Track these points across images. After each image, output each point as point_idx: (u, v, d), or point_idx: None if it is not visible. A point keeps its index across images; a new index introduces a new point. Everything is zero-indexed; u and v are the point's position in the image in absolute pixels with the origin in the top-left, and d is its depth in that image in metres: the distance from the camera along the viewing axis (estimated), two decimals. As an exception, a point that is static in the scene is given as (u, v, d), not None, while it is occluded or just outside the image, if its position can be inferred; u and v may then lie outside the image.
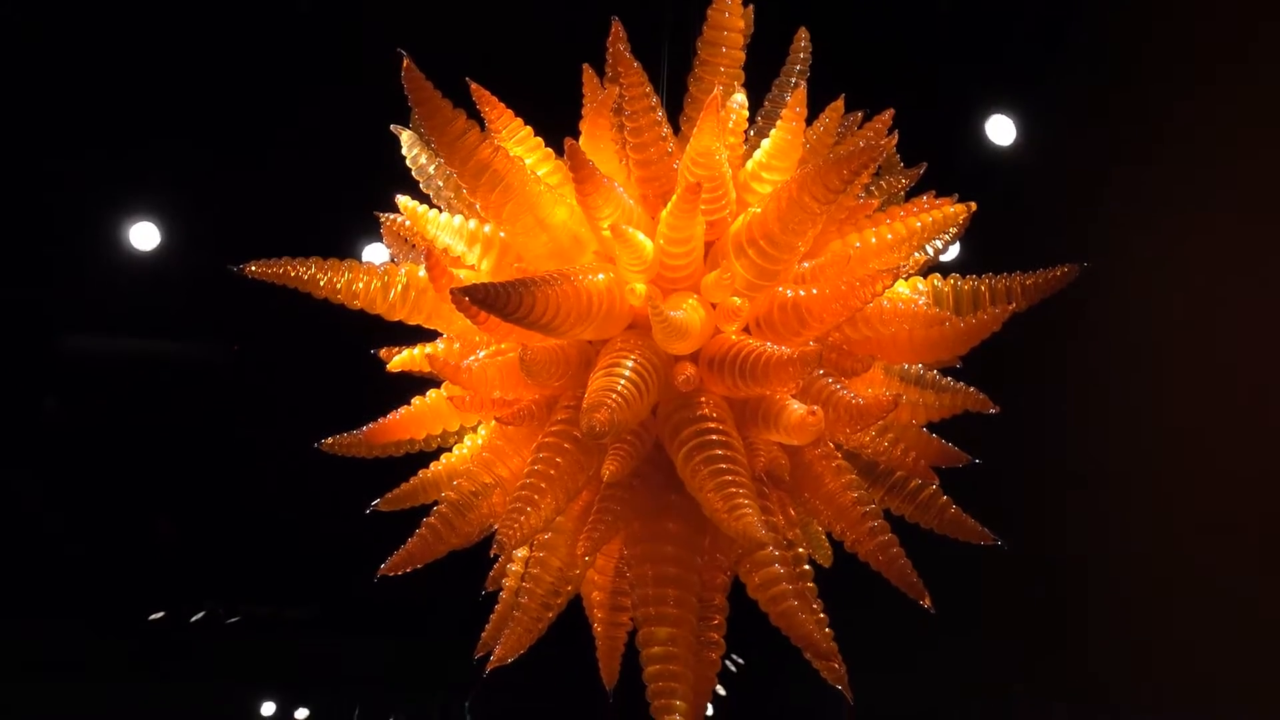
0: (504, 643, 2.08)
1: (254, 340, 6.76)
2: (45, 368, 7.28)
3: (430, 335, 2.28)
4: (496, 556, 2.30)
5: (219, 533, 9.19)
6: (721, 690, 9.78)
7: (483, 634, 2.26)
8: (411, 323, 2.19)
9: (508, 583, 2.30)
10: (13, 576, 9.59)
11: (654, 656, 2.00)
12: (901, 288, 2.22)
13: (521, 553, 2.23)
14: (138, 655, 10.23)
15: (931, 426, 2.36)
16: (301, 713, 9.37)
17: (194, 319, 6.65)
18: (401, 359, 2.27)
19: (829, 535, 2.37)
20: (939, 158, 2.47)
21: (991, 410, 2.29)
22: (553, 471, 1.95)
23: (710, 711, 7.61)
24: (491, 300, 1.74)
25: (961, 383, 2.28)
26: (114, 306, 6.53)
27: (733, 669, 9.94)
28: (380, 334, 2.34)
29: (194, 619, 9.94)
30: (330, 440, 2.33)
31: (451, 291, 1.81)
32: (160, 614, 9.65)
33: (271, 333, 6.47)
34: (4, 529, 9.02)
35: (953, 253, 2.98)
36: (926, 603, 2.10)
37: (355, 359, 2.47)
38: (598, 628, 2.27)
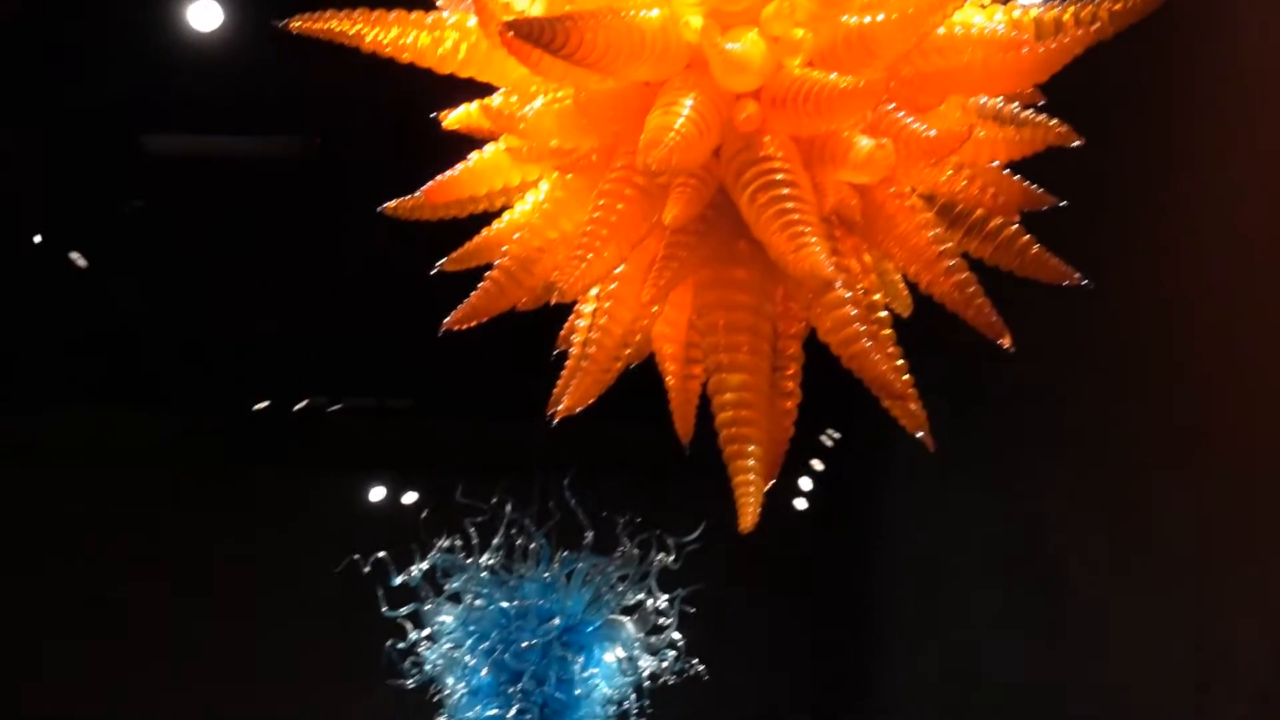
0: (571, 393, 2.06)
1: (330, 124, 6.74)
2: (129, 169, 7.33)
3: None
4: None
5: (315, 327, 9.36)
6: (819, 464, 9.90)
7: (554, 390, 2.24)
8: (464, 75, 2.12)
9: (576, 338, 2.27)
10: (121, 372, 9.90)
11: (726, 403, 1.97)
12: (976, 16, 2.09)
13: (588, 308, 2.20)
14: (246, 444, 10.59)
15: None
16: (409, 496, 9.67)
17: (267, 108, 6.63)
18: (458, 116, 2.21)
19: (907, 281, 2.30)
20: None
21: (1076, 143, 2.17)
22: (614, 218, 1.90)
23: (809, 485, 7.71)
24: (538, 34, 1.67)
25: (1044, 115, 2.16)
26: (185, 100, 6.52)
27: (828, 444, 10.03)
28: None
29: (297, 408, 10.23)
30: (393, 204, 2.29)
31: (500, 29, 1.74)
32: (265, 404, 9.94)
33: (346, 116, 6.45)
34: (107, 330, 9.28)
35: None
36: (1006, 342, 2.03)
37: (431, 138, 2.41)
38: (670, 380, 2.24)
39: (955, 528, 8.31)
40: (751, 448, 1.96)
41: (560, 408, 2.09)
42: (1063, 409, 6.51)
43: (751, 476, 1.95)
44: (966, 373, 6.05)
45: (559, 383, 2.27)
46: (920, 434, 2.17)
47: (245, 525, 10.87)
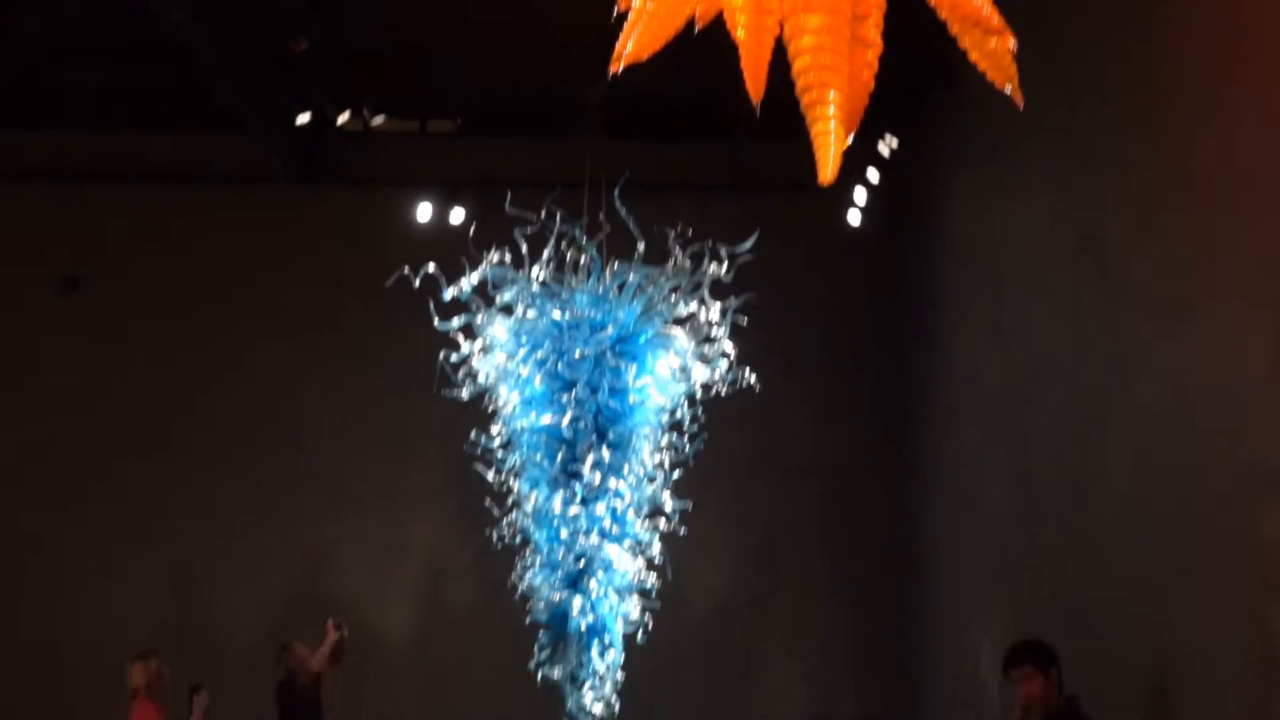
0: (636, 40, 1.91)
1: None
2: None
3: None
4: None
5: (354, 45, 9.11)
6: (874, 175, 9.66)
7: (616, 47, 2.09)
8: None
9: None
10: (159, 90, 9.71)
11: (804, 48, 1.83)
12: None
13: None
14: (288, 162, 10.41)
15: None
16: (457, 212, 9.53)
17: None
18: None
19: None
20: None
21: None
22: None
23: (863, 199, 7.39)
24: None
25: None
26: None
27: (886, 154, 9.79)
28: None
29: (340, 122, 10.03)
30: None
31: None
32: (307, 115, 9.71)
33: None
34: (143, 47, 9.05)
35: None
36: None
37: None
38: (741, 34, 2.07)
39: (1015, 232, 8.15)
40: (831, 94, 1.82)
41: (625, 56, 1.95)
42: (1131, 109, 6.26)
43: (831, 125, 1.82)
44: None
45: (620, 39, 2.12)
46: (1009, 88, 2.03)
47: (290, 244, 10.82)
